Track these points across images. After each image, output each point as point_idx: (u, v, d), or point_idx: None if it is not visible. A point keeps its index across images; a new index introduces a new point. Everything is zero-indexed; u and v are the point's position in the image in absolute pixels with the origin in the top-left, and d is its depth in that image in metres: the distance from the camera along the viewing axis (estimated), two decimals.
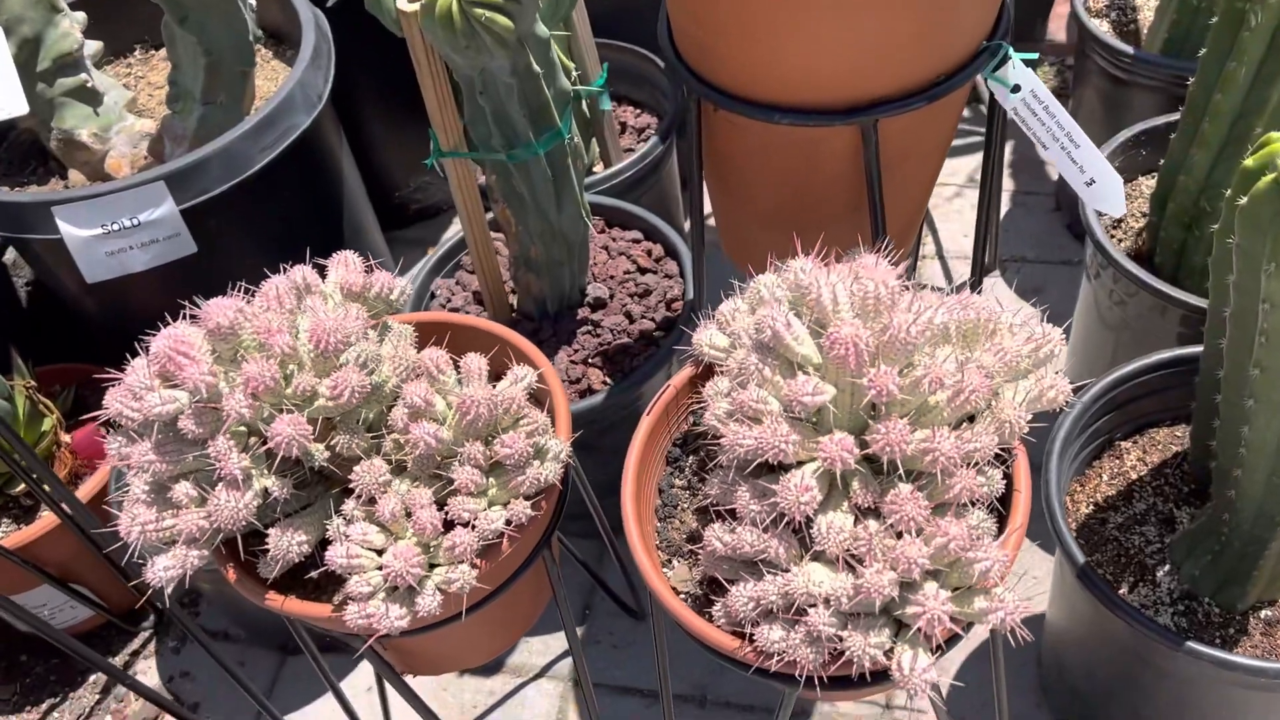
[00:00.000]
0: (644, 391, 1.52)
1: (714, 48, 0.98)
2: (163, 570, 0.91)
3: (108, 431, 1.76)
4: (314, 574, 1.00)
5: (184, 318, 0.95)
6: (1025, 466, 0.90)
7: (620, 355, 1.51)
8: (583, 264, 1.53)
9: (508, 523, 0.93)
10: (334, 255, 1.04)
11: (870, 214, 1.04)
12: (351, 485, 0.92)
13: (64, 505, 1.54)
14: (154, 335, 0.91)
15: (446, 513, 0.91)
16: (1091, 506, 1.31)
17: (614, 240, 1.65)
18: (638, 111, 1.96)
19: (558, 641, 1.69)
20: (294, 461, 0.92)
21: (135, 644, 1.79)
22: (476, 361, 0.95)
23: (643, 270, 1.60)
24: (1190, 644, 1.07)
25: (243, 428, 0.90)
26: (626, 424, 1.57)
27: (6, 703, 1.75)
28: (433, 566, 0.91)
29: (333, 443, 0.92)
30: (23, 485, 1.63)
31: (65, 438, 1.66)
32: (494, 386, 0.96)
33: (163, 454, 0.88)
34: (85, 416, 1.77)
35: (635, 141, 1.91)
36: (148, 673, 1.75)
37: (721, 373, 0.93)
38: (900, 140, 1.02)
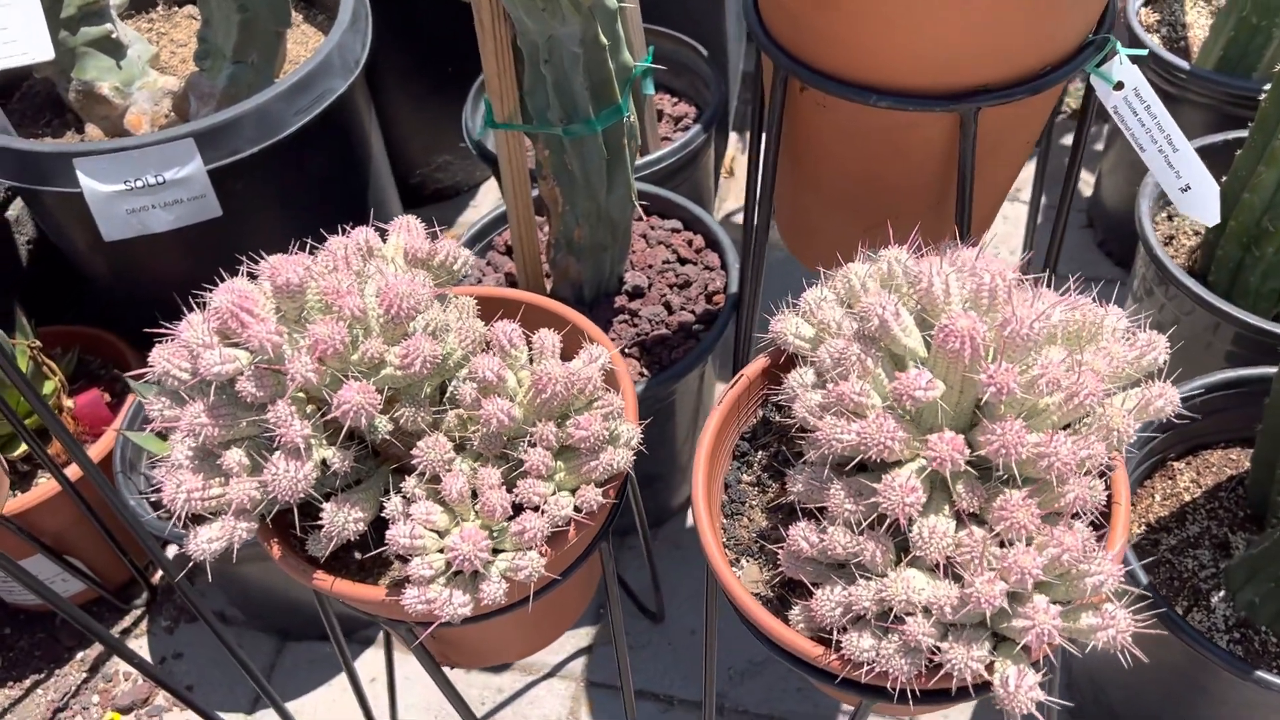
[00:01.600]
0: (681, 386, 1.47)
1: (811, 22, 0.93)
2: (206, 541, 0.85)
3: (116, 396, 1.69)
4: (361, 555, 0.94)
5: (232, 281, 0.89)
6: (1125, 478, 0.86)
7: (658, 347, 1.46)
8: (624, 250, 1.48)
9: (577, 509, 0.87)
10: (395, 220, 0.98)
11: (957, 208, 1.00)
12: (411, 462, 0.86)
13: (67, 472, 1.47)
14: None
15: (515, 495, 0.85)
16: (1143, 527, 1.28)
17: (653, 228, 1.60)
18: (675, 100, 1.91)
19: (570, 640, 1.63)
20: (350, 433, 0.87)
21: (126, 622, 1.72)
22: (550, 338, 0.90)
23: (683, 260, 1.55)
24: (1259, 673, 1.03)
25: (302, 394, 0.84)
26: (663, 418, 1.53)
27: None
28: (495, 552, 0.86)
29: (396, 415, 0.87)
30: (21, 450, 1.56)
31: (68, 402, 1.58)
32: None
33: (216, 417, 0.82)
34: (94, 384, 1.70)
35: (671, 130, 1.86)
36: (140, 650, 1.68)
37: (810, 364, 0.88)
38: (994, 133, 0.98)
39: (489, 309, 1.00)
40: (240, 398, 0.82)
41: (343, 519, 0.85)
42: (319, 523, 0.86)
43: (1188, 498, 1.29)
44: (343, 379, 0.84)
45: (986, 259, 0.80)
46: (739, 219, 2.17)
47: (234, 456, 0.84)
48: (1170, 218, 1.56)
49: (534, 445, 0.87)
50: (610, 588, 1.04)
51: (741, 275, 1.43)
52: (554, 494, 0.88)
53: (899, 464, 0.79)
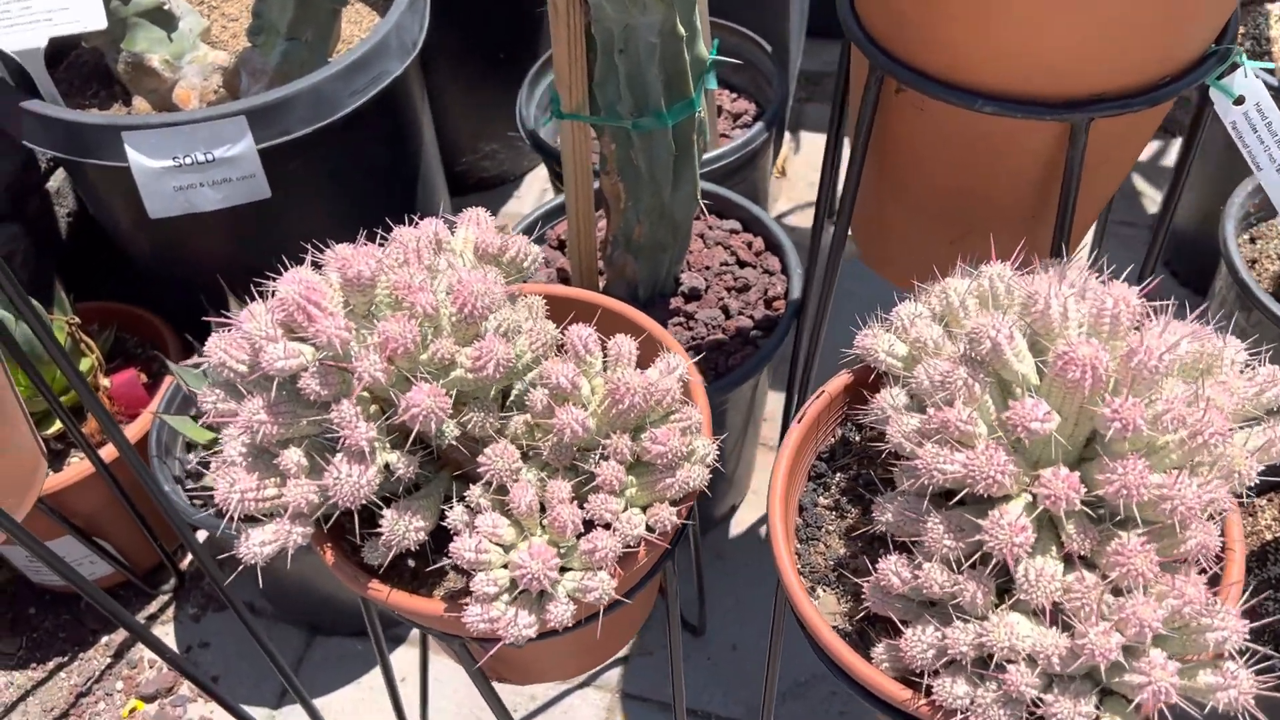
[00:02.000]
0: (735, 395, 1.42)
1: (916, 18, 0.88)
2: (258, 544, 0.80)
3: (153, 377, 1.65)
4: (415, 562, 0.90)
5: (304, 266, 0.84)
6: (1239, 523, 0.81)
7: (714, 353, 1.41)
8: (682, 250, 1.42)
9: (649, 529, 0.82)
10: (465, 212, 0.93)
11: (1057, 222, 0.95)
12: (477, 470, 0.82)
13: (101, 453, 1.43)
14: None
15: (585, 511, 0.80)
16: None
17: (711, 228, 1.55)
18: (734, 96, 1.86)
19: None
20: (414, 437, 0.82)
21: (152, 608, 1.68)
22: (627, 345, 0.85)
23: (742, 263, 1.50)
24: None
25: (366, 393, 0.79)
26: (715, 428, 1.47)
27: (10, 657, 1.63)
28: (562, 570, 0.81)
29: (464, 419, 0.82)
30: (55, 427, 1.52)
31: (104, 381, 1.54)
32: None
33: (275, 415, 0.78)
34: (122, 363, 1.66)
35: (730, 127, 1.81)
36: (165, 638, 1.64)
37: (903, 384, 0.83)
38: (1103, 145, 0.92)
39: (556, 309, 0.95)
40: (302, 395, 0.77)
41: (403, 528, 0.80)
42: (376, 530, 0.81)
43: (1269, 536, 1.23)
44: (410, 380, 0.79)
45: (1096, 283, 0.74)
46: (791, 220, 2.11)
47: (292, 456, 0.79)
48: (1254, 240, 1.49)
49: (607, 458, 0.81)
50: (671, 611, 0.99)
51: (806, 281, 1.38)
52: (625, 510, 0.83)
53: (1004, 499, 0.74)
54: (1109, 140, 0.93)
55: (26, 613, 1.67)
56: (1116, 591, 0.71)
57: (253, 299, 1.52)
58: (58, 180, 1.80)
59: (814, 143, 2.29)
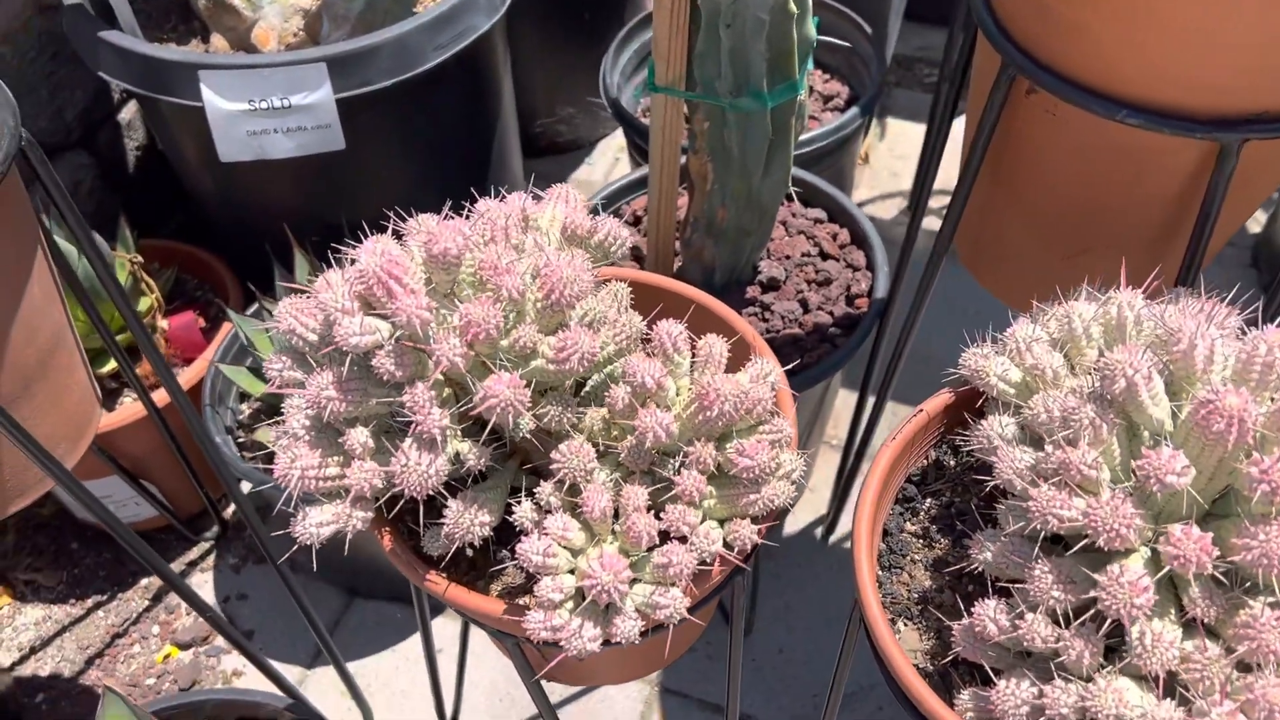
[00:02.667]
0: (806, 395, 1.36)
1: (1063, 16, 0.80)
2: (315, 525, 0.76)
3: (211, 322, 1.62)
4: (473, 552, 0.85)
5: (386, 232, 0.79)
6: None
7: (789, 348, 1.35)
8: (764, 237, 1.36)
9: (727, 545, 0.77)
10: (553, 188, 0.88)
11: (1189, 248, 0.88)
12: (550, 466, 0.77)
13: (154, 397, 1.40)
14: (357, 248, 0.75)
15: (661, 521, 0.75)
16: None
17: (794, 216, 1.48)
18: (826, 77, 1.78)
19: None
20: (485, 426, 0.77)
21: (193, 554, 1.66)
22: (719, 346, 0.79)
23: (824, 255, 1.43)
24: None
25: (441, 377, 0.74)
26: None
27: (50, 590, 1.63)
28: (631, 582, 0.76)
29: (540, 412, 0.77)
30: (109, 366, 1.49)
31: (162, 323, 1.52)
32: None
33: (345, 392, 0.73)
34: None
35: (820, 109, 1.73)
36: (203, 586, 1.62)
37: (1014, 414, 0.77)
38: (1252, 166, 0.85)
39: (638, 295, 0.89)
40: (374, 374, 0.73)
41: (468, 521, 0.75)
42: (438, 519, 0.77)
43: None
44: (488, 366, 0.74)
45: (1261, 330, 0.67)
46: (870, 210, 2.03)
47: (358, 436, 0.75)
48: None
49: (688, 467, 0.76)
50: (735, 627, 0.95)
51: (894, 281, 1.31)
52: (702, 523, 0.78)
53: (1124, 553, 0.68)
54: (1258, 162, 0.86)
55: (69, 547, 1.66)
56: (1242, 667, 0.65)
57: (318, 252, 1.49)
58: (129, 112, 1.77)
59: (900, 130, 2.21)
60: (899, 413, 1.72)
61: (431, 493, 0.74)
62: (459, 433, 0.76)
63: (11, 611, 1.60)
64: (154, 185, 1.82)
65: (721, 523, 0.79)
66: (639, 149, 1.66)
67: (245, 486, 1.55)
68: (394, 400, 0.74)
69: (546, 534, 0.74)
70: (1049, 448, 0.71)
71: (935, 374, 1.79)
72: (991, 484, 0.75)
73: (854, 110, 1.58)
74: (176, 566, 1.64)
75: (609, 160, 2.25)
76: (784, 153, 1.22)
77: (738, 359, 0.83)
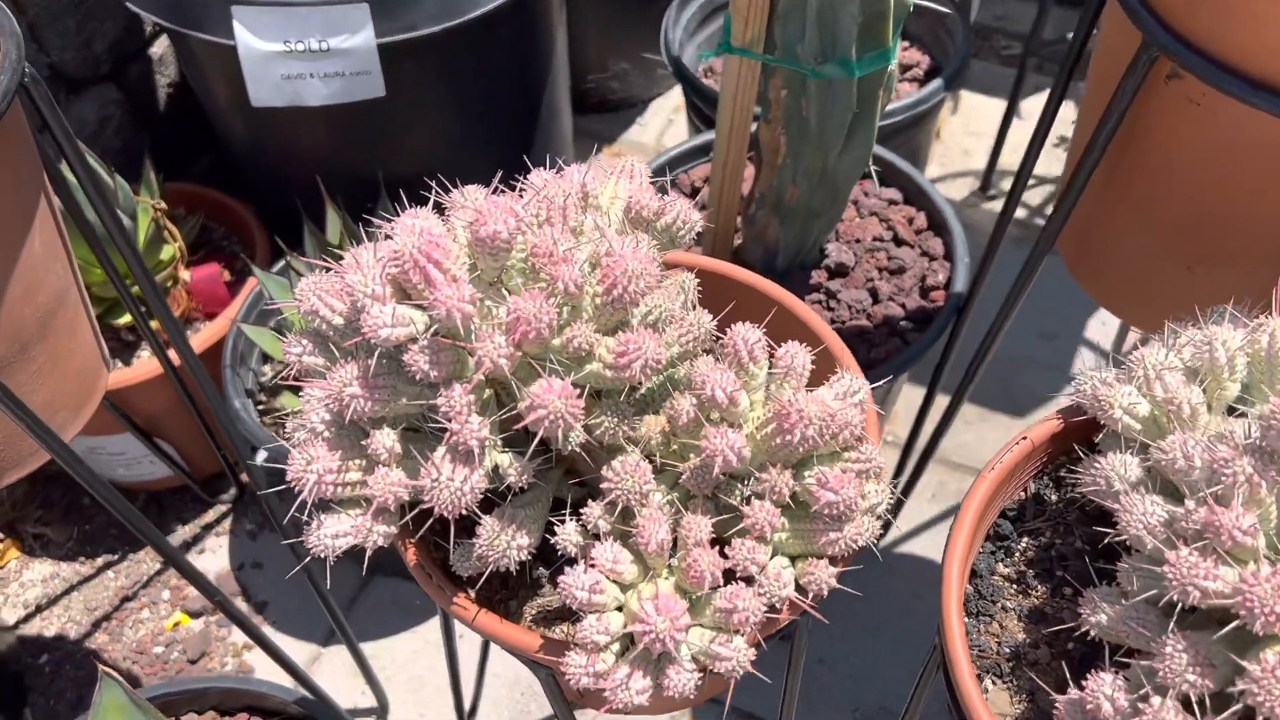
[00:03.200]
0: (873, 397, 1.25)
1: None
2: (331, 536, 0.67)
3: (236, 275, 1.53)
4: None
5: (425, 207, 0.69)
6: None
7: (854, 341, 1.24)
8: (835, 218, 1.25)
9: (800, 588, 0.67)
10: (617, 160, 0.77)
11: None
12: (596, 481, 0.67)
13: (171, 354, 1.31)
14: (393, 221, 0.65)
15: (727, 558, 0.65)
16: None
17: (866, 195, 1.37)
18: (904, 44, 1.65)
19: None
20: (529, 433, 0.67)
21: (209, 516, 1.59)
22: (801, 358, 0.69)
23: (899, 240, 1.32)
24: None
25: (482, 377, 0.64)
26: None
27: (60, 546, 1.56)
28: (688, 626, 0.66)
29: (592, 423, 0.67)
30: (127, 318, 1.41)
31: (184, 274, 1.43)
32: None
33: (371, 389, 0.64)
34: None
35: (897, 80, 1.60)
36: (218, 551, 1.55)
37: (1140, 455, 0.66)
38: None
39: (705, 286, 0.79)
40: (406, 370, 0.63)
41: (504, 543, 0.66)
42: (470, 540, 0.67)
43: None
44: (536, 369, 0.64)
45: None
46: (939, 190, 1.91)
47: (384, 440, 0.65)
48: None
49: (760, 496, 0.66)
50: (793, 674, 0.85)
51: (976, 276, 1.20)
52: (772, 558, 0.68)
53: (1272, 636, 0.57)
54: None
55: (80, 502, 1.59)
56: None
57: (351, 208, 1.39)
58: (161, 46, 1.67)
59: (975, 105, 2.07)
60: (964, 413, 1.61)
61: (465, 511, 0.64)
62: (499, 443, 0.66)
63: (19, 566, 1.54)
64: (184, 124, 1.73)
65: (793, 559, 0.69)
66: (700, 113, 1.55)
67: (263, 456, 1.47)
68: (426, 403, 0.64)
69: (594, 566, 0.64)
70: (1190, 503, 0.60)
71: (999, 371, 1.67)
72: (1110, 537, 0.64)
73: (936, 83, 1.45)
74: (190, 529, 1.56)
75: (662, 121, 2.13)
76: (867, 128, 1.10)
77: (818, 369, 0.72)
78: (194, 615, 1.48)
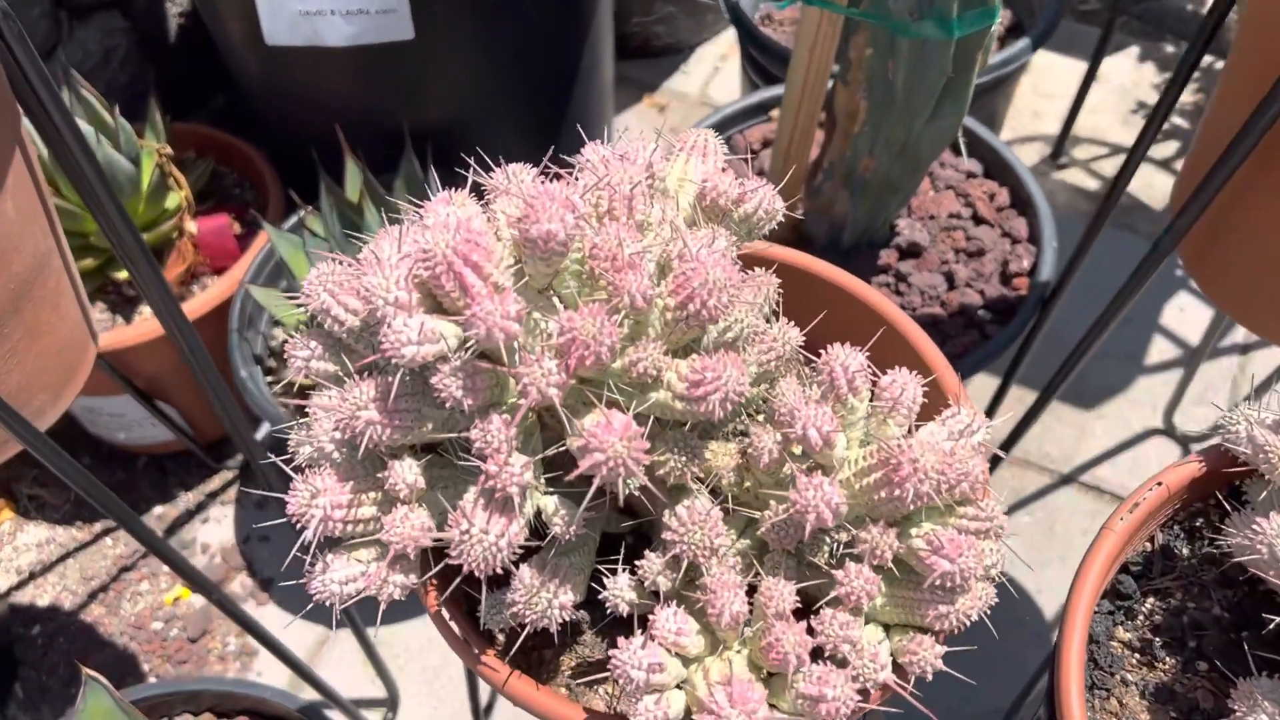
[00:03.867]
0: None
1: None
2: (339, 583, 0.56)
3: (247, 227, 1.41)
4: None
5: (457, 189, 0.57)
6: None
7: (927, 330, 1.11)
8: (911, 193, 1.12)
9: (897, 666, 0.56)
10: (687, 134, 0.65)
11: None
12: (657, 527, 0.56)
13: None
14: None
15: (815, 634, 0.54)
16: None
17: (942, 166, 1.23)
18: None
19: None
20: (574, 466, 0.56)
21: (214, 484, 1.49)
22: (912, 390, 0.57)
23: (978, 219, 1.18)
24: None
25: (526, 409, 0.53)
26: None
27: (56, 509, 1.46)
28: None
29: (656, 461, 0.55)
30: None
31: (191, 225, 1.31)
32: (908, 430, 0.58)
33: (391, 414, 0.52)
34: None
35: None
36: (223, 521, 1.45)
37: None
38: None
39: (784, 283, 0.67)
40: (434, 394, 0.51)
41: (544, 602, 0.55)
42: (502, 592, 0.57)
43: None
44: (590, 397, 0.52)
45: None
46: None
47: (405, 474, 0.54)
48: None
49: (858, 558, 0.55)
50: None
51: (1068, 265, 1.07)
52: (866, 624, 0.56)
53: None
54: None
55: (80, 462, 1.49)
56: None
57: (373, 162, 1.27)
58: None
59: (1047, 65, 1.92)
60: (1024, 398, 1.48)
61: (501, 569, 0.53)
62: (542, 483, 0.55)
63: (13, 528, 1.45)
64: (196, 59, 1.60)
65: (887, 628, 0.58)
66: (757, 66, 1.41)
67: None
68: (457, 433, 0.53)
69: (654, 639, 0.53)
70: None
71: (1064, 358, 1.54)
72: (1275, 623, 0.53)
73: (1023, 42, 1.31)
74: (195, 496, 1.47)
75: (707, 69, 1.99)
76: (960, 96, 0.97)
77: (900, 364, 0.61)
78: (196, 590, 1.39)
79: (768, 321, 0.62)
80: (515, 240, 0.52)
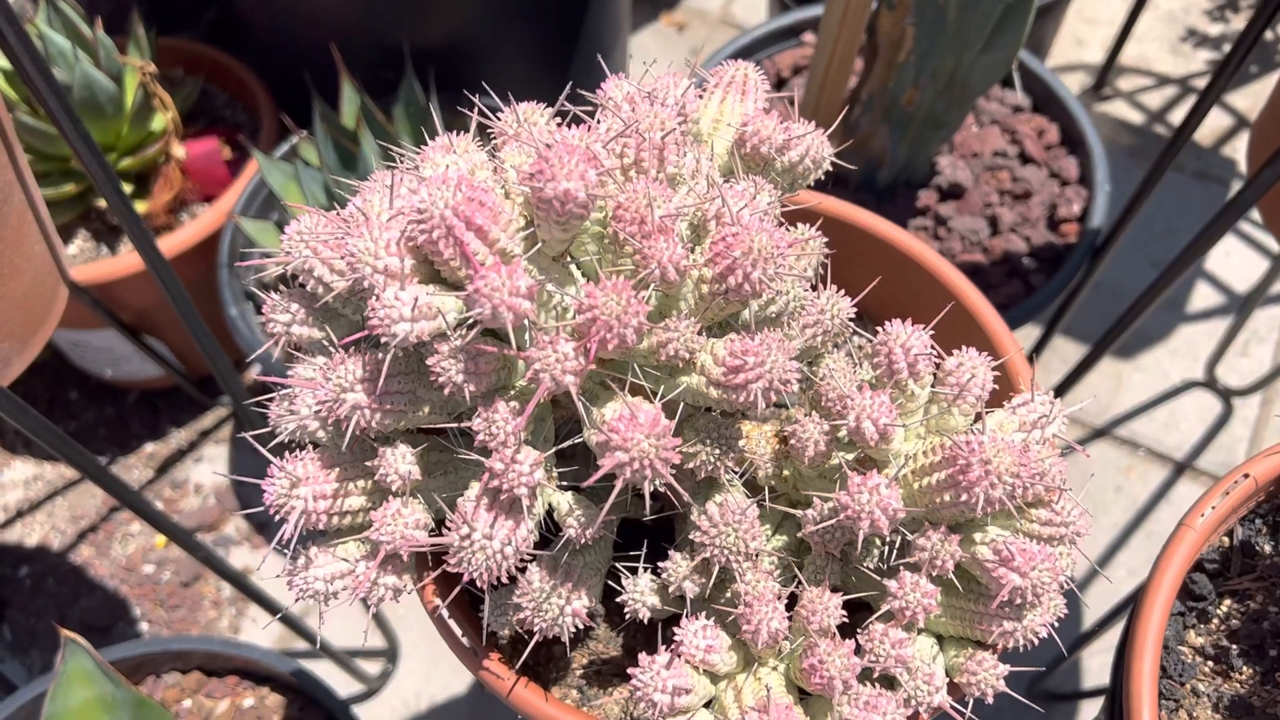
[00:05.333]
0: None
1: None
2: (323, 580, 0.49)
3: (237, 151, 1.33)
4: None
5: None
6: None
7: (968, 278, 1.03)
8: (955, 129, 1.03)
9: (953, 688, 0.50)
10: (723, 68, 0.57)
11: None
12: (690, 534, 0.49)
13: (163, 245, 1.12)
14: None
15: (863, 653, 0.47)
16: None
17: (987, 99, 1.14)
18: None
19: None
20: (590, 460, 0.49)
21: (206, 421, 1.42)
22: (981, 374, 0.49)
23: (1025, 158, 1.10)
24: None
25: (540, 398, 0.45)
26: None
27: (44, 445, 1.40)
28: None
29: (687, 452, 0.48)
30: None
31: (178, 150, 1.22)
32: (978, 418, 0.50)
33: (384, 397, 0.45)
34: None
35: None
36: (216, 460, 1.39)
37: None
38: None
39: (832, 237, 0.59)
40: (434, 378, 0.44)
41: (555, 608, 0.48)
42: (508, 592, 0.50)
43: None
44: (610, 381, 0.45)
45: None
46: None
47: (397, 463, 0.47)
48: None
49: (915, 567, 0.48)
50: None
51: (1124, 211, 0.98)
52: (915, 641, 0.50)
53: None
54: None
55: (66, 397, 1.43)
56: None
57: (369, 81, 1.17)
58: None
59: None
60: (1058, 347, 1.41)
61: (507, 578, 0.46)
62: (554, 477, 0.48)
63: None
64: None
65: (940, 639, 0.51)
66: None
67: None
68: (457, 420, 0.46)
69: (680, 657, 0.47)
70: None
71: (1102, 304, 1.45)
72: None
73: None
74: (187, 435, 1.41)
75: None
76: (1018, 26, 0.87)
77: (963, 340, 0.53)
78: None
79: (814, 288, 0.54)
80: (527, 199, 0.44)
